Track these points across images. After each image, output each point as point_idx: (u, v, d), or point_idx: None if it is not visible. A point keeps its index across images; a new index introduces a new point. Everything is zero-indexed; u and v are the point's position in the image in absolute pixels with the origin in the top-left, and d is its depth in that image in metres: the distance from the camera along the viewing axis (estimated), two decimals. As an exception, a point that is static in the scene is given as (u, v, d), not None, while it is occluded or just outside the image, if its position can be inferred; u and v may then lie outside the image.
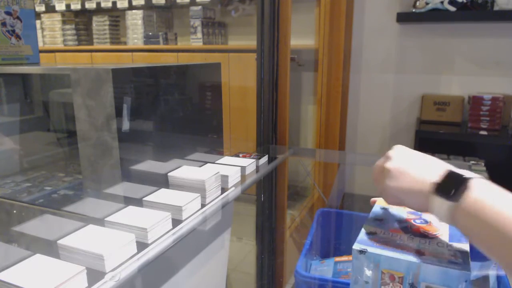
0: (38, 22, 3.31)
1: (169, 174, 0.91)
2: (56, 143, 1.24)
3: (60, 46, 3.28)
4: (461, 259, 0.49)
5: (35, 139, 1.20)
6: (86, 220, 0.76)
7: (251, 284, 1.47)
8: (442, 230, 0.58)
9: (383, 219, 0.63)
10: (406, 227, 0.59)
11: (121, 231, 0.68)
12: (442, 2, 2.10)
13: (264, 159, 1.18)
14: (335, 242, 1.35)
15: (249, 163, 1.08)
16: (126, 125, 0.79)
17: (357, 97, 2.53)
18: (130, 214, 0.75)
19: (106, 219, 0.73)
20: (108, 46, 3.12)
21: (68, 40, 3.27)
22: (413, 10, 2.19)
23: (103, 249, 0.61)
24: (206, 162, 1.05)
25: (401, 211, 0.65)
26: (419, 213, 0.64)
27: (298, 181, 2.55)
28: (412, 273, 0.49)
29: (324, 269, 1.17)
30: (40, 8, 3.28)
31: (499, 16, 2.05)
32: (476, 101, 2.11)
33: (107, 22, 3.13)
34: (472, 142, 2.16)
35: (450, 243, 0.54)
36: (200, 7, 2.74)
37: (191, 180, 0.88)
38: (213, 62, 1.16)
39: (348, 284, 0.97)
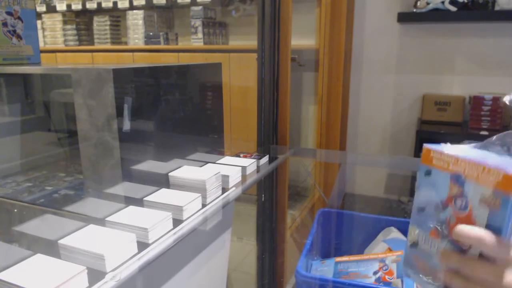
0: (39, 22, 3.32)
1: (169, 174, 0.91)
2: (57, 143, 1.24)
3: (61, 46, 3.29)
4: None
5: (36, 139, 1.21)
6: (87, 220, 0.76)
7: (251, 284, 1.47)
8: None
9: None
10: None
11: (121, 231, 0.68)
12: (443, 2, 2.10)
13: (265, 159, 1.18)
14: (335, 242, 1.35)
15: (249, 163, 1.08)
16: (127, 125, 0.79)
17: (358, 97, 2.53)
18: (131, 214, 0.75)
19: (107, 219, 0.73)
20: (109, 46, 3.13)
21: (69, 40, 3.28)
22: (414, 10, 2.19)
23: (104, 249, 0.61)
24: (206, 162, 1.05)
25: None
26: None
27: (299, 181, 2.55)
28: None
29: (324, 269, 1.17)
30: (41, 8, 3.28)
31: (500, 16, 2.05)
32: (477, 101, 2.11)
33: (108, 22, 3.13)
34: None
35: None
36: (201, 7, 2.74)
37: (192, 180, 0.88)
38: (214, 62, 1.16)
39: (348, 284, 0.97)
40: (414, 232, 0.59)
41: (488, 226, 0.47)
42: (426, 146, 0.57)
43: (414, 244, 0.59)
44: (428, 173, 0.56)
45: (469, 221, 0.50)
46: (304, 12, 2.54)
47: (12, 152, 1.12)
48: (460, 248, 0.50)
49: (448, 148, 0.55)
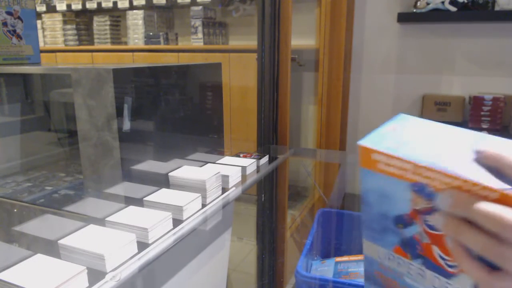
0: (39, 22, 3.32)
1: (169, 174, 0.91)
2: (57, 143, 1.24)
3: (61, 46, 3.29)
4: None
5: (36, 139, 1.20)
6: (87, 220, 0.76)
7: (251, 284, 1.47)
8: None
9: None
10: None
11: (121, 231, 0.68)
12: (443, 2, 2.10)
13: (265, 159, 1.18)
14: (335, 242, 1.35)
15: (249, 163, 1.08)
16: (127, 125, 0.79)
17: (357, 97, 2.53)
18: (130, 214, 0.75)
19: (106, 219, 0.73)
20: (109, 46, 3.12)
21: (69, 40, 3.28)
22: (414, 10, 2.19)
23: (104, 249, 0.61)
24: (206, 162, 1.05)
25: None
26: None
27: (299, 181, 2.55)
28: None
29: (324, 269, 1.17)
30: (41, 8, 3.28)
31: (500, 16, 2.05)
32: (477, 101, 2.11)
33: (108, 22, 3.13)
34: (473, 142, 2.16)
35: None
36: (200, 7, 2.74)
37: (191, 180, 0.88)
38: (214, 62, 1.16)
39: (348, 284, 0.97)
40: (371, 247, 0.50)
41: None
42: (362, 144, 0.43)
43: (374, 260, 0.51)
44: (374, 180, 0.44)
45: (443, 243, 0.40)
46: (304, 12, 2.54)
47: (12, 152, 1.12)
48: (444, 270, 0.42)
49: (393, 142, 0.42)
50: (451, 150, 0.38)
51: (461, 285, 0.39)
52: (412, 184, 0.40)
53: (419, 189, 0.39)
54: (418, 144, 0.40)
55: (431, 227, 0.41)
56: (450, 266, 0.40)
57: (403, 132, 0.43)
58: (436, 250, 0.41)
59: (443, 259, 0.41)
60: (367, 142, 0.43)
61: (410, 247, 0.44)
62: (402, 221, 0.44)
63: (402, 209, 0.42)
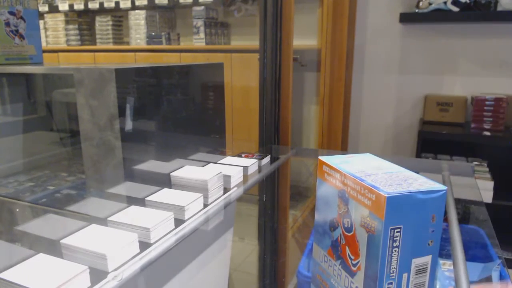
0: (41, 22, 3.32)
1: (171, 174, 0.91)
2: (59, 143, 1.24)
3: (63, 46, 3.29)
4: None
5: (38, 139, 1.21)
6: (89, 219, 0.76)
7: (253, 284, 1.47)
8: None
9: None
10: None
11: (123, 231, 0.69)
12: (445, 3, 2.09)
13: (267, 159, 1.18)
14: (337, 243, 1.35)
15: (251, 163, 1.08)
16: (129, 125, 0.79)
17: (359, 98, 2.53)
18: (132, 214, 0.75)
19: (108, 218, 0.73)
20: (111, 46, 3.13)
21: (71, 40, 3.28)
22: (416, 11, 2.19)
23: (106, 248, 0.61)
24: (208, 162, 1.05)
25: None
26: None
27: (301, 181, 2.54)
28: None
29: (326, 269, 1.17)
30: (44, 8, 3.29)
31: (502, 17, 2.04)
32: (479, 102, 2.11)
33: (110, 22, 3.14)
34: (475, 142, 2.16)
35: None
36: (203, 7, 2.74)
37: (193, 180, 0.88)
38: (216, 62, 1.16)
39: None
40: (316, 249, 0.56)
41: (368, 251, 0.43)
42: (320, 158, 0.52)
43: (316, 262, 0.56)
44: (323, 188, 0.52)
45: (354, 243, 0.46)
46: (306, 12, 2.54)
47: (14, 152, 1.13)
48: (350, 269, 0.47)
49: (341, 160, 0.51)
50: (373, 171, 0.46)
51: (359, 283, 0.45)
52: (338, 190, 0.48)
53: (341, 195, 0.47)
54: (354, 165, 0.49)
55: (346, 229, 0.47)
56: (353, 265, 0.46)
57: (353, 159, 0.52)
58: (347, 250, 0.47)
59: (350, 258, 0.47)
60: (324, 158, 0.52)
61: (335, 249, 0.50)
62: (333, 225, 0.50)
63: (333, 214, 0.50)
